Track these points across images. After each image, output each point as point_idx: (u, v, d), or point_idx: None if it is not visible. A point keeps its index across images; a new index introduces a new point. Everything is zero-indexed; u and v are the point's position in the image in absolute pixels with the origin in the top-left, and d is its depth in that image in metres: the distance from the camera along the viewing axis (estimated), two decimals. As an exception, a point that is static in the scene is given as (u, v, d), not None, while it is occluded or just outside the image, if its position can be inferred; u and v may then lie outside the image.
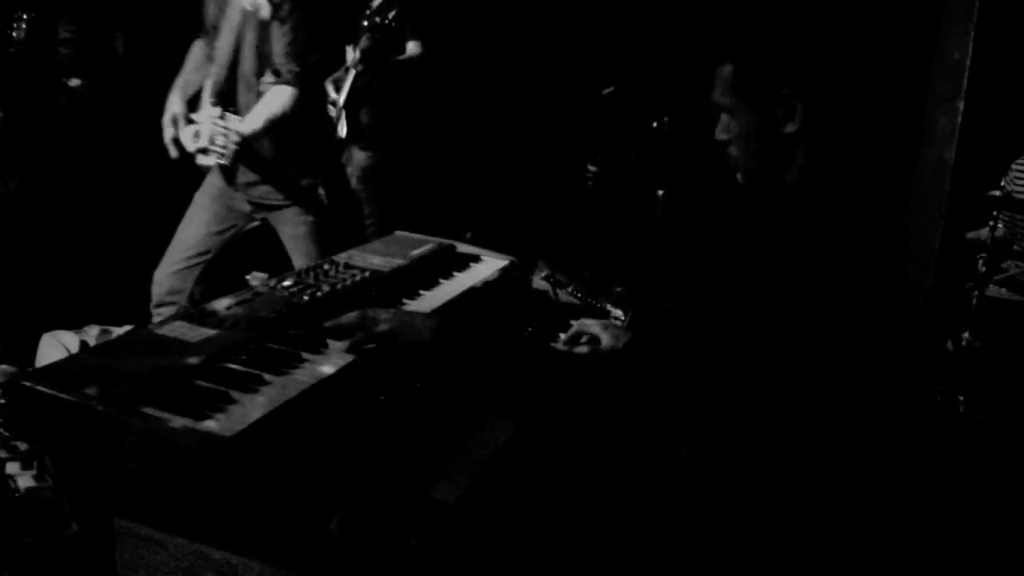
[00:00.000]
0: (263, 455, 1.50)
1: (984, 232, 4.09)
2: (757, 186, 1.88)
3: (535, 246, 4.79)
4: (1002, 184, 4.43)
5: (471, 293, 2.34)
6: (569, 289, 4.26)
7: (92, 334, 3.95)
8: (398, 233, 2.88)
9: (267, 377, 1.66)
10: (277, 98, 3.11)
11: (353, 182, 4.75)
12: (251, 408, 1.55)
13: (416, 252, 2.58)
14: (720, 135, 1.87)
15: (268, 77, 3.12)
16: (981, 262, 3.97)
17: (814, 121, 1.73)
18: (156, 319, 3.43)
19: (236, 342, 1.78)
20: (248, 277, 2.55)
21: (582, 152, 5.23)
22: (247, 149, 3.08)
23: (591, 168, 5.16)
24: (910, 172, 2.98)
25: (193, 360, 1.68)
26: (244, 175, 3.25)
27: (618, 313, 4.10)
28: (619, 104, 4.96)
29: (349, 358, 1.80)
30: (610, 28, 5.52)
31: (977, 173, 3.24)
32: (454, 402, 1.93)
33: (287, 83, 3.11)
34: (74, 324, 3.95)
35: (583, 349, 2.11)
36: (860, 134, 1.88)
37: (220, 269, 3.09)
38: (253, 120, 3.08)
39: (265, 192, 3.29)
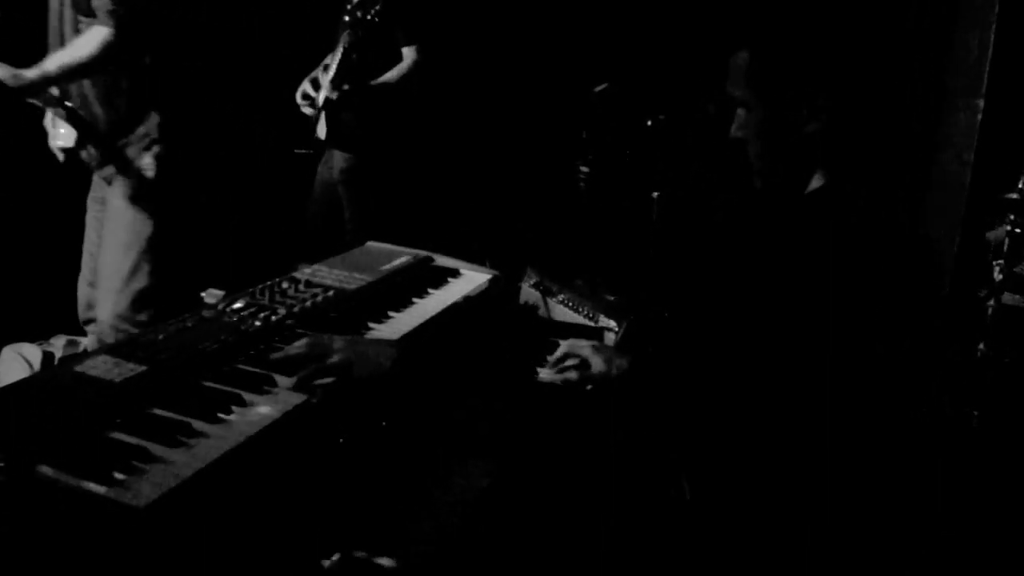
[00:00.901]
0: (187, 525, 1.26)
1: (1001, 232, 3.84)
2: (775, 190, 1.66)
3: (524, 251, 4.56)
4: (1020, 185, 4.19)
5: (447, 314, 2.10)
6: (560, 298, 4.03)
7: (58, 345, 3.70)
8: (370, 244, 2.64)
9: (197, 425, 1.41)
10: (85, 40, 2.60)
11: (338, 187, 4.50)
12: (174, 467, 1.30)
13: (387, 267, 2.34)
14: (735, 132, 1.65)
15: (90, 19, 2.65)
16: (998, 269, 3.73)
17: (838, 121, 1.50)
18: (88, 339, 3.16)
19: (166, 382, 1.54)
20: (204, 295, 2.31)
21: (574, 152, 5.01)
22: (56, 102, 2.69)
23: (583, 169, 4.94)
24: (928, 173, 2.76)
25: (111, 406, 1.43)
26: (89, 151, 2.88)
27: (611, 324, 3.87)
28: (612, 101, 4.72)
29: (298, 398, 1.55)
30: (603, 22, 5.28)
31: (997, 174, 3.01)
32: (423, 444, 1.68)
33: (101, 23, 2.59)
34: (40, 334, 3.71)
35: (571, 375, 1.87)
36: (880, 135, 1.66)
37: (177, 285, 2.84)
38: (47, 62, 2.60)
39: (105, 169, 2.89)
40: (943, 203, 2.53)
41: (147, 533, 1.20)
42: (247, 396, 1.52)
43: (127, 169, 2.81)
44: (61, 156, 2.83)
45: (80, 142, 2.81)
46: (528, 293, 4.11)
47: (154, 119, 2.81)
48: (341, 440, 1.63)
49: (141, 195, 2.82)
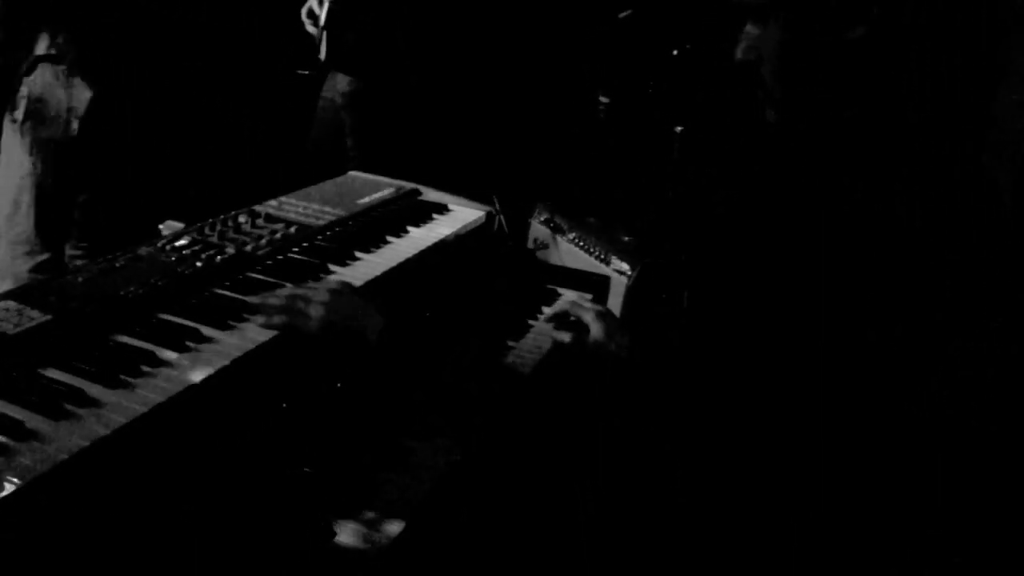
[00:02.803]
0: (52, 521, 1.01)
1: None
2: (796, 122, 1.34)
3: (536, 185, 4.27)
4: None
5: (424, 257, 1.82)
6: (571, 236, 3.75)
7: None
8: (352, 174, 2.36)
9: (94, 392, 1.16)
10: None
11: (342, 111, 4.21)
12: (62, 442, 1.05)
13: (365, 200, 2.06)
14: (743, 54, 1.32)
15: None
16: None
17: (892, 21, 1.19)
18: None
19: (67, 335, 1.28)
20: (161, 226, 2.04)
21: (594, 81, 4.70)
22: None
23: (603, 99, 4.64)
24: (988, 109, 2.42)
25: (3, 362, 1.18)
26: None
27: (624, 267, 3.59)
28: (636, 29, 4.41)
29: (222, 361, 1.28)
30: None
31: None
32: (382, 414, 1.42)
33: None
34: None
35: (565, 336, 1.59)
36: (938, 52, 1.34)
37: (136, 215, 2.58)
38: None
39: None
40: (1002, 142, 2.21)
41: (9, 528, 0.95)
42: (164, 354, 1.26)
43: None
44: None
45: None
46: (538, 230, 3.84)
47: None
48: (284, 406, 1.38)
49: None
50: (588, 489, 1.44)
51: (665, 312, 3.31)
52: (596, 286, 2.09)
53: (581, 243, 3.68)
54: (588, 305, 1.63)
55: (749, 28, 1.29)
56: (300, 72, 4.61)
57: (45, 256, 2.74)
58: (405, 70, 4.22)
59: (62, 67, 2.70)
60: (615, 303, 3.21)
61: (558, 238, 3.76)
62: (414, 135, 4.40)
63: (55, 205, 2.77)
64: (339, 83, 4.18)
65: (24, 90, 2.70)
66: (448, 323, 1.77)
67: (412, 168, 2.40)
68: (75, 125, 2.74)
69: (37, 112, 2.70)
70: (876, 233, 1.20)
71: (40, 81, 2.70)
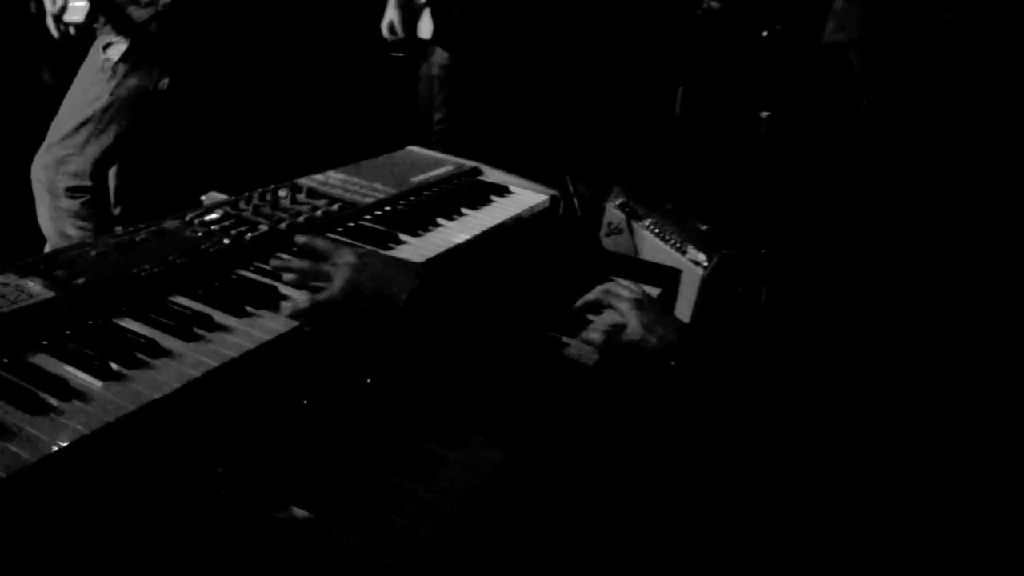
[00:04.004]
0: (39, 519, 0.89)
1: None
2: (891, 113, 1.17)
3: (611, 167, 4.09)
4: None
5: (476, 243, 1.66)
6: (647, 223, 3.55)
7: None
8: (410, 148, 2.21)
9: (79, 382, 1.02)
10: None
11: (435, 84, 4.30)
12: (28, 446, 0.92)
13: (419, 178, 1.91)
14: (831, 35, 1.16)
15: None
16: None
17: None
18: None
19: (66, 317, 1.15)
20: (204, 197, 1.93)
21: (676, 63, 4.49)
22: None
23: (687, 80, 4.48)
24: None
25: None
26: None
27: (700, 257, 3.38)
28: (725, 9, 4.29)
29: (237, 350, 1.14)
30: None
31: None
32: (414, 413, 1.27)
33: None
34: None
35: (595, 336, 1.33)
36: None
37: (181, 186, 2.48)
38: None
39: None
40: None
41: None
42: (168, 342, 1.13)
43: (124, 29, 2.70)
44: (56, 32, 2.66)
45: (92, 15, 2.65)
46: (613, 214, 3.65)
47: None
48: (305, 403, 1.24)
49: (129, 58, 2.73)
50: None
51: (741, 308, 3.11)
52: (666, 279, 1.90)
53: (657, 230, 3.49)
54: (626, 292, 1.37)
55: (836, 2, 1.12)
56: (394, 55, 4.68)
57: (88, 183, 2.76)
58: (502, 46, 4.19)
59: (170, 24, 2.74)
60: (686, 299, 3.02)
61: (633, 224, 3.57)
62: (496, 113, 4.31)
63: (114, 148, 2.80)
64: (438, 57, 4.22)
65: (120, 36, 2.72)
66: (494, 313, 1.60)
67: (486, 146, 2.27)
68: (165, 81, 2.77)
69: (135, 60, 2.72)
70: (979, 227, 1.04)
71: (145, 32, 2.72)
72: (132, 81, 2.73)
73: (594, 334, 1.32)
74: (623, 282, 1.54)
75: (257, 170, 2.15)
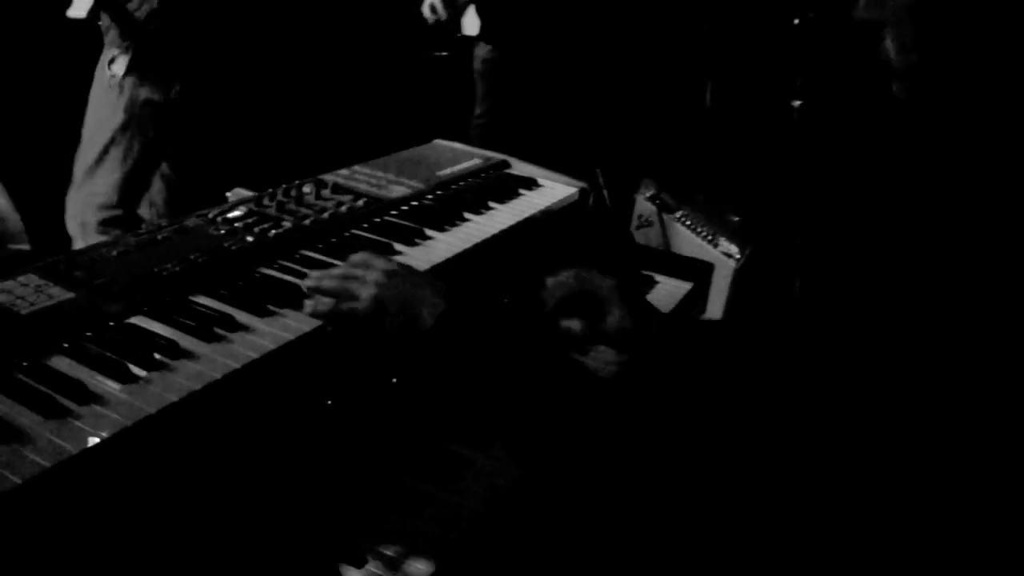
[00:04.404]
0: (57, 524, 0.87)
1: None
2: (929, 98, 1.11)
3: (642, 159, 4.03)
4: None
5: (503, 238, 1.62)
6: (678, 215, 3.50)
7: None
8: (437, 142, 2.17)
9: (94, 384, 1.00)
10: None
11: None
12: (50, 449, 0.90)
13: (446, 172, 1.88)
14: (862, 12, 1.10)
15: None
16: None
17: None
18: None
19: (85, 318, 1.13)
20: (229, 194, 1.91)
21: (706, 52, 4.42)
22: None
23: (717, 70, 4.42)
24: None
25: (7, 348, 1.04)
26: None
27: (732, 249, 3.33)
28: None
29: (256, 352, 1.11)
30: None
31: None
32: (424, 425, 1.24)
33: None
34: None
35: (574, 325, 1.23)
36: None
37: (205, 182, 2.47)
38: None
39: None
40: None
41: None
42: (187, 342, 1.10)
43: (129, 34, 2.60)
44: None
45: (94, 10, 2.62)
46: (643, 206, 3.60)
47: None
48: (329, 403, 1.21)
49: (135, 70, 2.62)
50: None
51: (773, 300, 3.05)
52: (698, 273, 1.86)
53: (688, 222, 3.44)
54: (608, 281, 1.24)
55: None
56: (437, 54, 4.74)
57: (118, 212, 2.68)
58: (545, 40, 4.16)
59: (172, 27, 2.64)
60: (718, 292, 2.96)
61: (664, 216, 3.52)
62: (534, 107, 4.28)
63: (139, 166, 2.71)
64: (479, 51, 4.21)
65: (122, 47, 2.62)
66: (523, 313, 1.56)
67: (523, 140, 2.23)
68: (178, 87, 2.67)
69: (142, 71, 2.62)
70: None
71: (146, 33, 2.62)
72: (143, 94, 2.62)
73: (574, 322, 1.24)
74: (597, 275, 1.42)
75: (285, 165, 2.13)
